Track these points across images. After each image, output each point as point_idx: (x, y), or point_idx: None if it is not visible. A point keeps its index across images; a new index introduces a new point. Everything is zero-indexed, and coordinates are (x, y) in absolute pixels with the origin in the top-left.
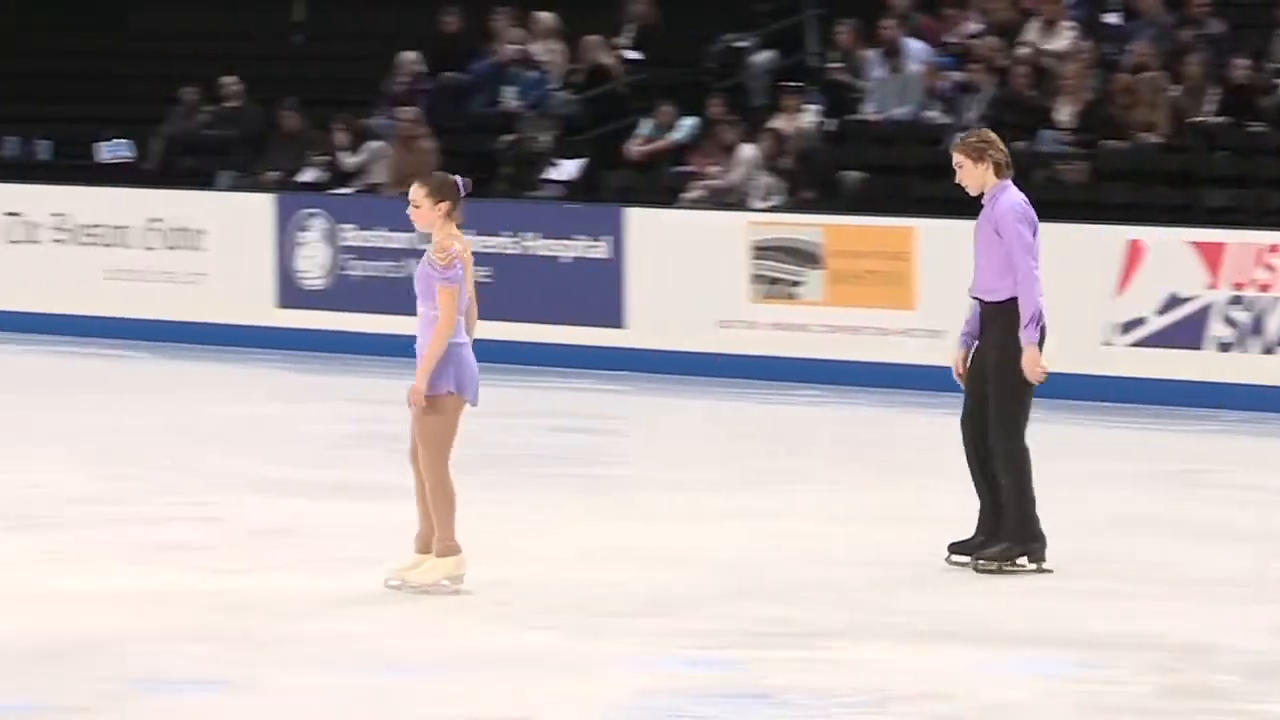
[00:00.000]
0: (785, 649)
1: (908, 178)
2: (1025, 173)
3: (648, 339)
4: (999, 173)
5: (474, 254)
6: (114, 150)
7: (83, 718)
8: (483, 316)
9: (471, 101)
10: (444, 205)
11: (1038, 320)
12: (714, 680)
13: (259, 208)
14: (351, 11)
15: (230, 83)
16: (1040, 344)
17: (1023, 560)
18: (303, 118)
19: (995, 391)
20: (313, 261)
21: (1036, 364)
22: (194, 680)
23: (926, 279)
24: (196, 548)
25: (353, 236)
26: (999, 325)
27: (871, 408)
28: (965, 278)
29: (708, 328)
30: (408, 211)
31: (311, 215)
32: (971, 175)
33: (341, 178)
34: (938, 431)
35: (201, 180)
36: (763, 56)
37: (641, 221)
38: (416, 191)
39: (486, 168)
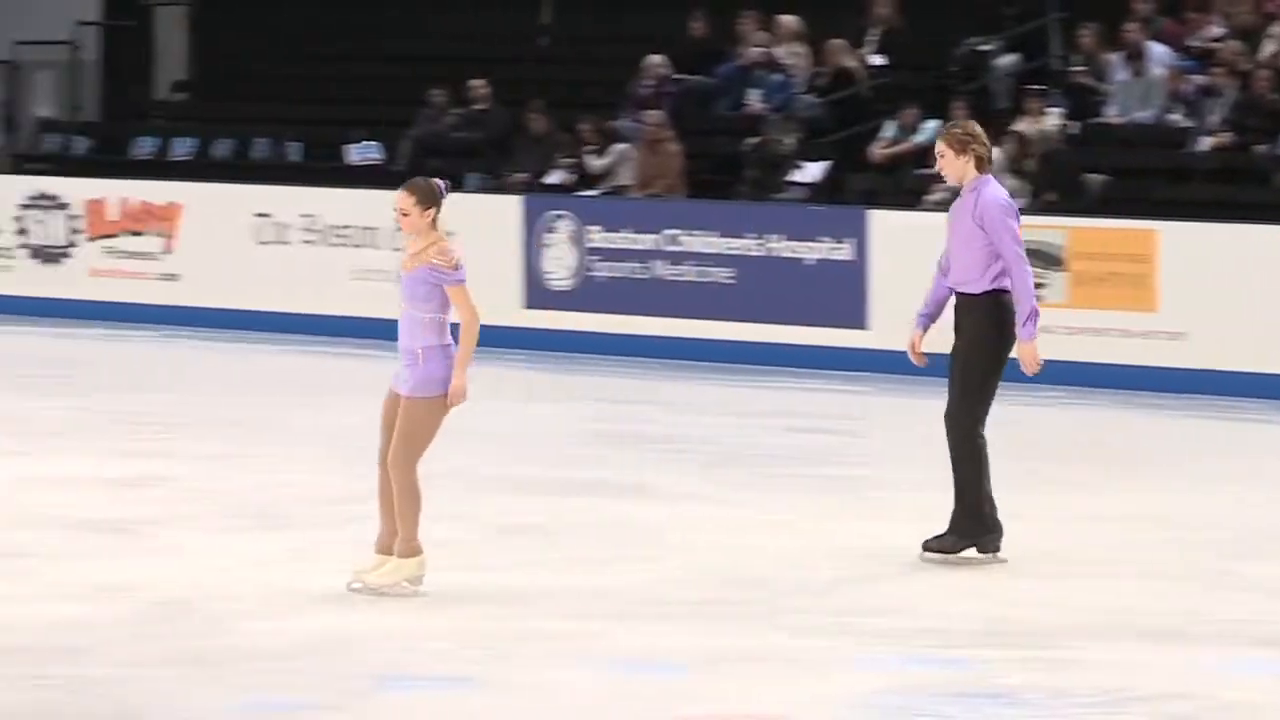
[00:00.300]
0: (1021, 648)
1: (1150, 180)
2: (1265, 176)
3: (890, 340)
4: (980, 166)
5: (719, 255)
6: (363, 152)
7: (328, 715)
8: (727, 318)
9: (717, 104)
10: (431, 212)
11: (1036, 316)
12: (951, 679)
13: (506, 209)
14: (598, 14)
15: (478, 85)
16: (1006, 345)
17: (970, 551)
18: (550, 120)
19: (961, 382)
20: (559, 263)
21: (1035, 359)
22: (438, 677)
23: (1168, 281)
24: (444, 545)
25: (599, 238)
26: (974, 317)
27: (1114, 409)
28: (1209, 281)
29: (948, 329)
30: (395, 219)
31: (558, 217)
32: (953, 166)
33: (588, 180)
34: (1182, 433)
35: (450, 182)
36: (1006, 60)
37: (884, 223)
38: (405, 200)
39: (731, 170)
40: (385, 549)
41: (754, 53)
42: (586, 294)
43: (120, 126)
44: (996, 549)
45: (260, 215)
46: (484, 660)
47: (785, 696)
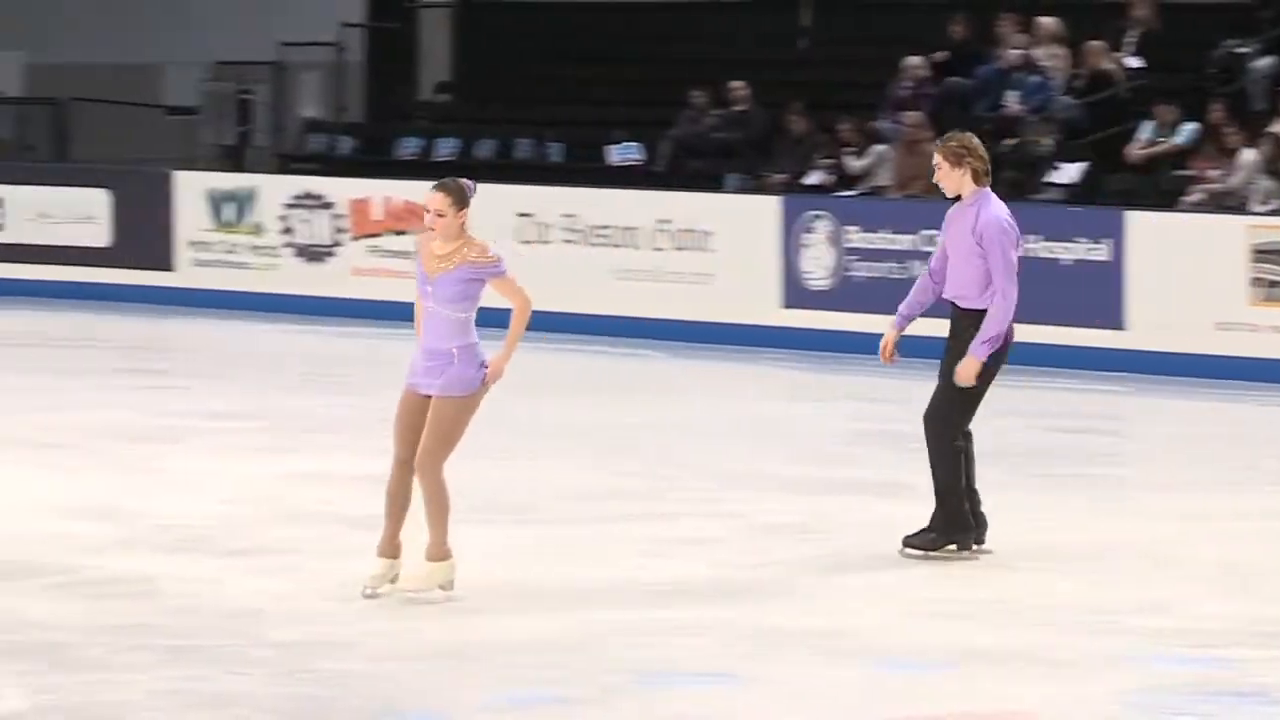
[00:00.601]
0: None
1: None
2: None
3: (1147, 341)
4: (977, 180)
5: None
6: (624, 153)
7: (588, 710)
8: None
9: (975, 105)
10: (464, 213)
11: (995, 342)
12: (1211, 678)
13: (765, 210)
14: (857, 17)
15: (738, 87)
16: (997, 360)
17: (951, 548)
18: (809, 121)
19: (944, 390)
20: (818, 263)
21: (971, 377)
22: (697, 674)
23: None
24: (706, 542)
25: (857, 238)
26: (970, 334)
27: None
28: None
29: (1206, 330)
30: (428, 221)
31: (817, 217)
32: (949, 178)
33: (846, 180)
34: None
35: (709, 182)
36: (1264, 62)
37: (1142, 224)
38: (441, 201)
39: (989, 171)
40: (388, 553)
41: (1013, 54)
42: (844, 294)
43: (384, 127)
44: (980, 543)
45: (522, 215)
46: (743, 657)
47: (1040, 694)
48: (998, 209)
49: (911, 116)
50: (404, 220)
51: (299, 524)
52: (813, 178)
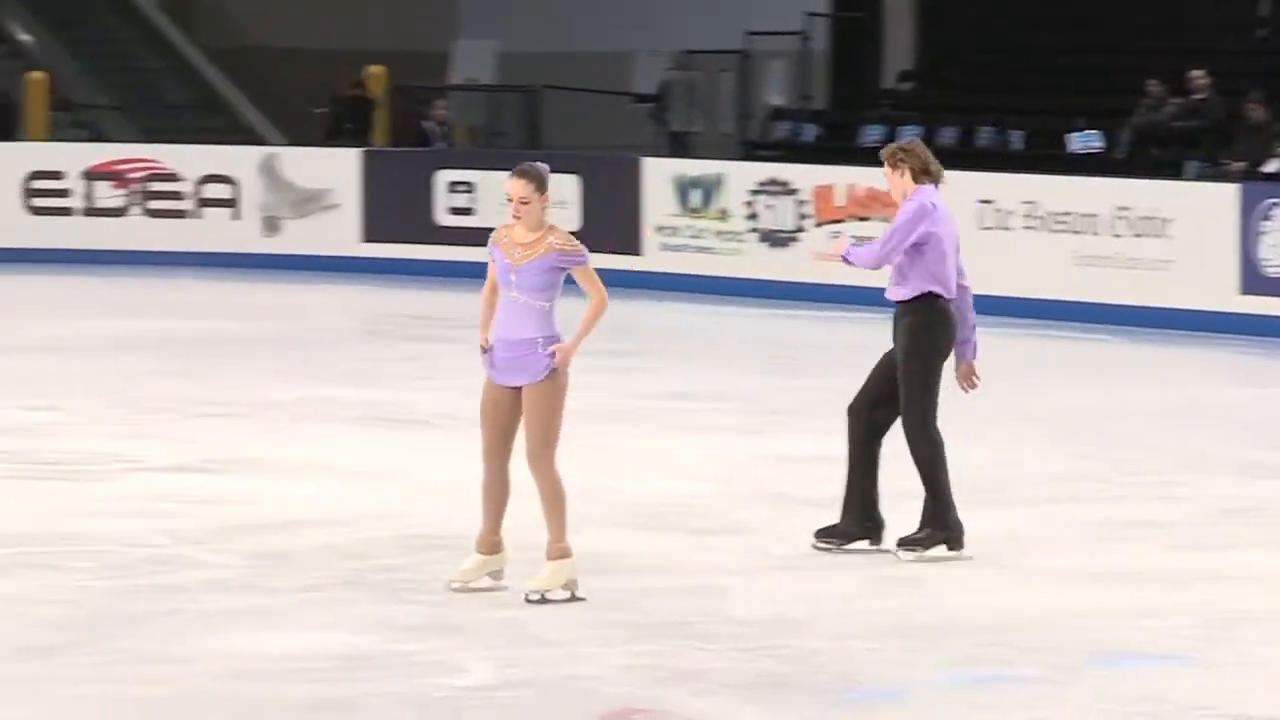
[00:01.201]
0: None
1: None
2: None
3: None
4: (916, 178)
5: None
6: (1084, 141)
7: (1041, 689)
8: None
9: None
10: (546, 197)
11: (859, 258)
12: None
13: (1223, 197)
14: None
15: (1198, 75)
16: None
17: (941, 548)
18: (1268, 110)
19: (905, 384)
20: (1276, 250)
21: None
22: (1152, 655)
23: None
24: (1158, 525)
25: None
26: (905, 322)
27: None
28: None
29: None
30: (511, 210)
31: (1275, 205)
32: (894, 184)
33: None
34: None
35: (1168, 170)
36: None
37: None
38: (525, 188)
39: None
40: (489, 548)
41: None
42: None
43: (848, 114)
44: (961, 546)
45: (983, 202)
46: (1200, 639)
47: None
48: (927, 196)
49: None
50: (866, 206)
51: (763, 504)
52: (1271, 166)
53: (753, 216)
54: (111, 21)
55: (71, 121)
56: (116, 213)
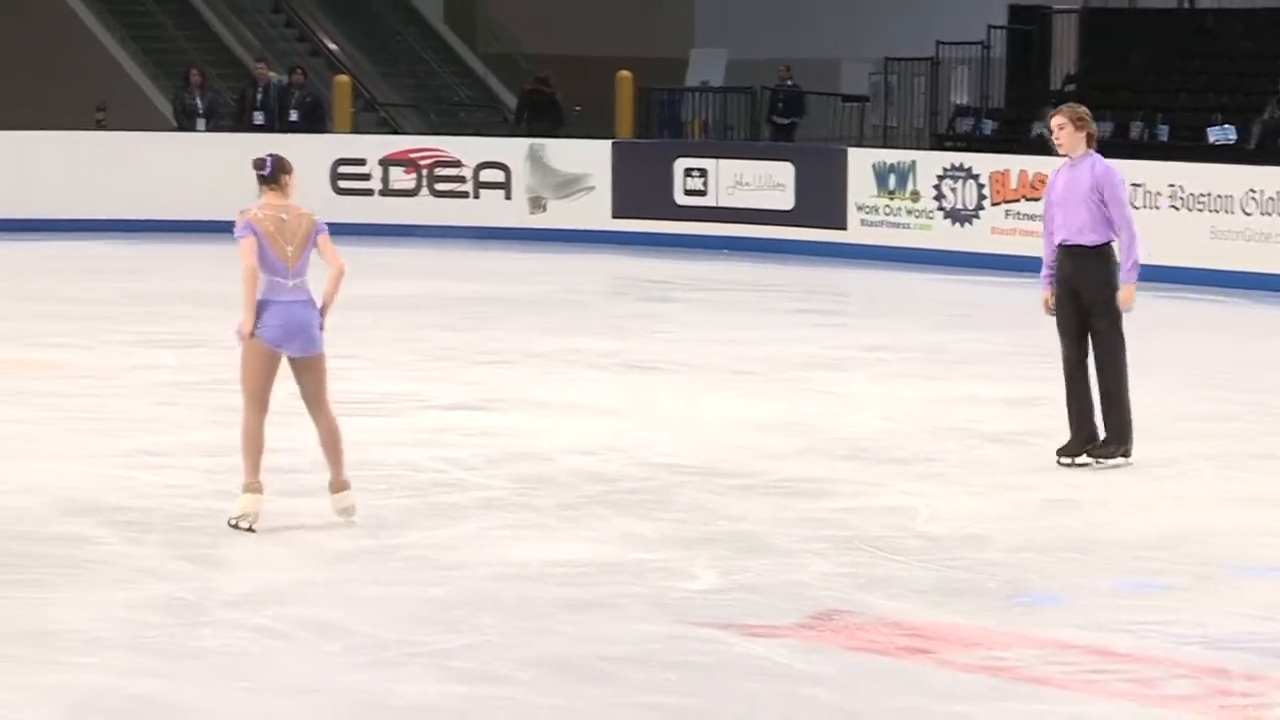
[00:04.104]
0: None
1: None
2: None
3: None
4: (1089, 143)
5: None
6: (1221, 134)
7: (1187, 594)
8: None
9: None
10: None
11: (1137, 265)
12: None
13: None
14: None
15: None
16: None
17: (1121, 457)
18: None
19: (1101, 319)
20: None
21: (1131, 299)
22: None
23: None
24: None
25: None
26: (1094, 266)
27: None
28: None
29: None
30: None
31: None
32: (1071, 139)
33: None
34: None
35: None
36: None
37: None
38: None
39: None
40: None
41: None
42: None
43: (1021, 111)
44: (1130, 453)
45: (1135, 185)
46: None
47: None
48: (1108, 162)
49: None
50: (1036, 190)
51: (946, 438)
52: None
53: (940, 197)
54: (406, 33)
55: (374, 118)
56: (408, 193)
